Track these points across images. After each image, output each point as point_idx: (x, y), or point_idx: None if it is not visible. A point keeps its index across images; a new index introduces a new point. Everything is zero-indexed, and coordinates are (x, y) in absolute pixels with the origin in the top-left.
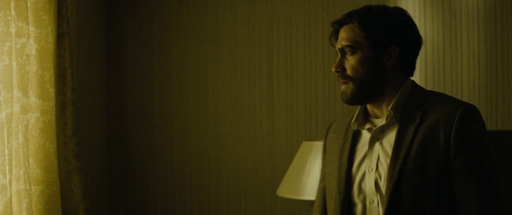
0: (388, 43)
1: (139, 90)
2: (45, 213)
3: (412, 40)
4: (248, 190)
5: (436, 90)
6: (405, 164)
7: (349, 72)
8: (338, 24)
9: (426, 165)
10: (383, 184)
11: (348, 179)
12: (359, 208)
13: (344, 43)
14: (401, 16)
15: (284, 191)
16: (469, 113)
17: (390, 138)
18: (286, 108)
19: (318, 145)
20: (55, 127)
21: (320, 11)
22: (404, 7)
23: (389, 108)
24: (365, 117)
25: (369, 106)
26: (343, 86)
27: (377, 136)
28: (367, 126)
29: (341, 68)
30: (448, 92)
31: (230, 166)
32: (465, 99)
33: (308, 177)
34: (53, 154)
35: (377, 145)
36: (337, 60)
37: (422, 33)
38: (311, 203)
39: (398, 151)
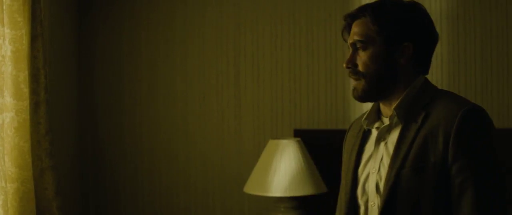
0: (402, 39)
1: (110, 90)
2: (20, 210)
3: (427, 36)
4: (216, 187)
5: None
6: (402, 167)
7: (360, 68)
8: (350, 18)
9: (424, 168)
10: (382, 186)
11: (354, 180)
12: (362, 210)
13: (356, 38)
14: (417, 10)
15: (251, 188)
16: (471, 114)
17: (394, 139)
18: (253, 107)
19: (284, 143)
20: (29, 126)
21: (286, 12)
22: None
23: (393, 107)
24: (378, 115)
25: (381, 104)
26: (354, 83)
27: (383, 135)
28: (377, 125)
29: (352, 64)
30: None
31: (199, 164)
32: None
33: (274, 174)
34: (27, 152)
35: (382, 145)
36: (348, 56)
37: None
38: (276, 199)
39: (398, 152)
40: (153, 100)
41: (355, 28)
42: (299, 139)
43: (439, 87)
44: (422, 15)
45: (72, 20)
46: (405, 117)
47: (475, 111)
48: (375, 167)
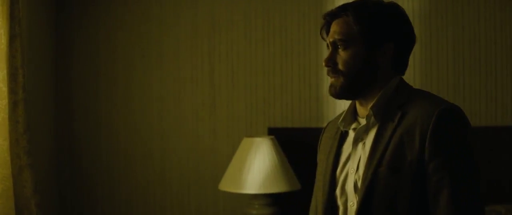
0: (383, 39)
1: (87, 90)
2: None
3: (407, 38)
4: (191, 185)
5: None
6: (379, 166)
7: (340, 66)
8: (330, 17)
9: (400, 167)
10: (360, 186)
11: (332, 181)
12: (341, 210)
13: (336, 36)
14: (398, 11)
15: (226, 185)
16: (447, 113)
17: (371, 138)
18: (227, 106)
19: (258, 141)
20: (8, 124)
21: (260, 12)
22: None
23: (369, 107)
24: (354, 116)
25: (357, 105)
26: (332, 80)
27: (361, 136)
28: (354, 126)
29: (332, 63)
30: None
31: (174, 162)
32: None
33: (248, 172)
34: (6, 151)
35: (360, 146)
36: (328, 54)
37: None
38: (251, 196)
39: (374, 152)
40: (129, 99)
41: (335, 27)
42: (273, 137)
43: (412, 84)
44: (402, 16)
45: (50, 20)
46: (381, 116)
47: (451, 110)
48: (353, 167)
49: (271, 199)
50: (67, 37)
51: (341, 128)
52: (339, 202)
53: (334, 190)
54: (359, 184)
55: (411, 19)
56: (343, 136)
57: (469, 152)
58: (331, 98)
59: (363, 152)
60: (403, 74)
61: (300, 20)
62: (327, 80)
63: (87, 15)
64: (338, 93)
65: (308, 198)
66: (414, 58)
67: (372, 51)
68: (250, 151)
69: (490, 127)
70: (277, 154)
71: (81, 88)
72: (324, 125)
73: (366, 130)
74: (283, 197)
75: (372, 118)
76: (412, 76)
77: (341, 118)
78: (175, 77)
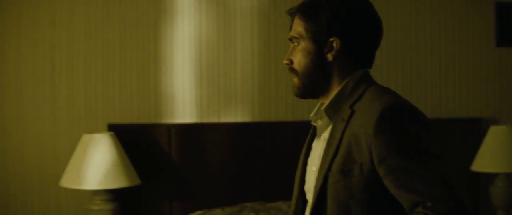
0: (328, 34)
1: None
2: None
3: (356, 30)
4: (34, 183)
5: (210, 87)
6: (330, 169)
7: (295, 65)
8: (290, 14)
9: (351, 170)
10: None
11: (303, 175)
12: (308, 204)
13: (290, 34)
14: (349, 3)
15: (67, 182)
16: (389, 112)
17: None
18: (67, 103)
19: (98, 137)
20: None
21: (100, 9)
22: (180, 6)
23: (322, 108)
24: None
25: (324, 102)
26: (293, 80)
27: (322, 132)
28: (319, 121)
29: (290, 61)
30: (222, 87)
31: (16, 160)
32: (238, 94)
33: (88, 168)
34: None
35: (321, 143)
36: (288, 52)
37: (197, 31)
38: (92, 192)
39: (326, 154)
40: None
41: (293, 24)
42: (112, 133)
43: (251, 80)
44: (354, 8)
45: None
46: (334, 116)
47: (391, 109)
48: (315, 165)
49: (112, 194)
50: None
51: (312, 122)
52: (307, 197)
53: (304, 184)
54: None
55: (249, 16)
56: (315, 131)
57: (420, 143)
58: (175, 95)
59: (322, 150)
60: (369, 68)
61: (139, 16)
62: (165, 76)
63: None
64: (297, 94)
65: (148, 193)
66: (253, 54)
67: (320, 47)
68: (89, 147)
69: None
70: (116, 150)
71: None
72: (163, 120)
73: (326, 126)
74: (124, 192)
75: (326, 118)
76: (250, 71)
77: (313, 111)
78: (16, 75)
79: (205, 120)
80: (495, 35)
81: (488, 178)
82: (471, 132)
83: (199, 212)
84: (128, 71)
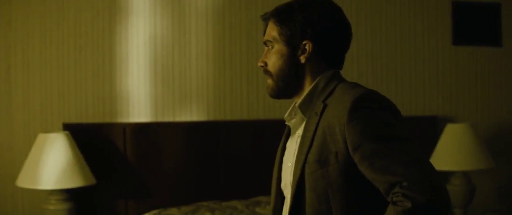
0: (301, 38)
1: None
2: None
3: (327, 33)
4: None
5: (165, 86)
6: (306, 161)
7: (269, 67)
8: (264, 19)
9: (326, 160)
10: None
11: (279, 172)
12: (286, 202)
13: (265, 37)
14: (319, 8)
15: (23, 181)
16: (360, 101)
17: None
18: (23, 102)
19: (53, 137)
20: None
21: (55, 9)
22: (135, 6)
23: (297, 105)
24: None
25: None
26: (267, 81)
27: (297, 130)
28: (293, 120)
29: (264, 63)
30: (177, 87)
31: None
32: (193, 93)
33: (44, 168)
34: None
35: (295, 140)
36: (262, 55)
37: (152, 30)
38: (48, 192)
39: (302, 147)
40: None
41: (267, 29)
42: (68, 132)
43: (206, 79)
44: (324, 12)
45: None
46: (307, 111)
47: (363, 98)
48: (290, 161)
49: (68, 194)
50: None
51: (286, 122)
52: (285, 193)
53: (281, 181)
54: (291, 179)
55: (204, 15)
56: (290, 129)
57: (390, 130)
58: (130, 94)
59: (296, 146)
60: (340, 68)
61: (94, 16)
62: (120, 76)
63: None
64: (272, 95)
65: (104, 192)
66: (208, 52)
67: (293, 50)
68: (45, 147)
69: None
70: (72, 150)
71: None
72: (119, 119)
73: (300, 123)
74: (80, 192)
75: (300, 114)
76: (206, 70)
77: (287, 112)
78: None
79: (160, 119)
80: (451, 34)
81: (445, 176)
82: (427, 130)
83: (154, 211)
84: (83, 71)
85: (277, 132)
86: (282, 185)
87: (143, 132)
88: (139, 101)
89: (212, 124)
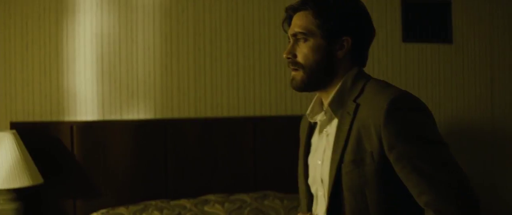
0: (341, 33)
1: None
2: None
3: (365, 31)
4: None
5: (112, 84)
6: (342, 161)
7: (300, 59)
8: (292, 10)
9: (362, 159)
10: (327, 179)
11: (305, 171)
12: (315, 198)
13: (297, 29)
14: (357, 5)
15: None
16: (397, 102)
17: (333, 131)
18: None
19: (0, 135)
20: None
21: (2, 7)
22: (82, 3)
23: (327, 102)
24: (321, 107)
25: (321, 96)
26: (293, 73)
27: (325, 127)
28: (319, 117)
29: (292, 55)
30: (124, 84)
31: None
32: (140, 91)
33: None
34: None
35: (324, 137)
36: (289, 46)
37: (99, 28)
38: (4, 192)
39: (336, 146)
40: None
41: (296, 20)
42: (14, 131)
43: (153, 76)
44: (361, 10)
45: None
46: (338, 111)
47: (400, 99)
48: (320, 159)
49: (15, 194)
50: None
51: (309, 119)
52: (312, 191)
53: (307, 179)
54: (324, 176)
55: (152, 13)
56: (313, 126)
57: (426, 132)
58: (77, 93)
59: (327, 144)
60: (364, 65)
61: (41, 13)
62: (66, 74)
63: None
64: (299, 87)
65: (51, 192)
66: (155, 49)
67: (331, 45)
68: None
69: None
70: (19, 148)
71: None
72: (66, 118)
73: (328, 121)
74: (27, 191)
75: (330, 113)
76: (152, 67)
77: (309, 109)
78: None
79: (107, 117)
80: (401, 31)
81: None
82: None
83: (103, 210)
84: (30, 69)
85: (224, 130)
86: (309, 181)
87: (91, 130)
88: (86, 100)
89: (160, 122)
